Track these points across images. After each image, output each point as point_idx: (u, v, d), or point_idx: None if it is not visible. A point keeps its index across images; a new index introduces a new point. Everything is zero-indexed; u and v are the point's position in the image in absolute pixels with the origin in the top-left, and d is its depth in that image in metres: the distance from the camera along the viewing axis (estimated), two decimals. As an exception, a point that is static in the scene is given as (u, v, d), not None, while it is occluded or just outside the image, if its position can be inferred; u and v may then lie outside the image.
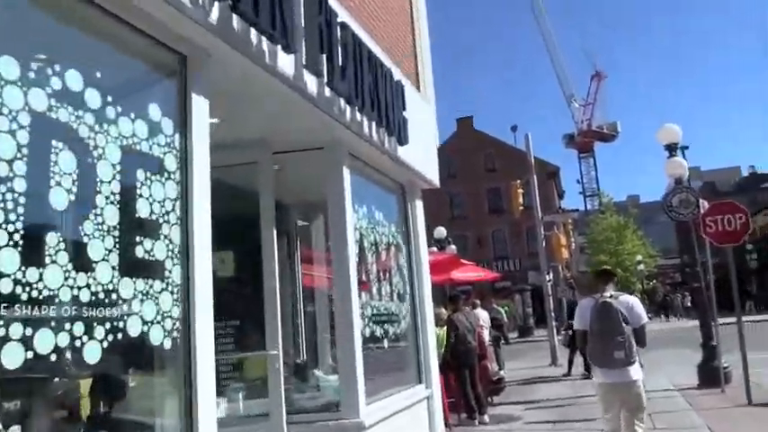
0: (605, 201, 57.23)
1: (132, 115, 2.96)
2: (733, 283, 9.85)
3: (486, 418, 9.47)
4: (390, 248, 6.52)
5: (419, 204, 7.37)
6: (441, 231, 21.31)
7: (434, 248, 16.52)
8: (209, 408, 3.19)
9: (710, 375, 10.95)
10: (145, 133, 3.03)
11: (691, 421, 8.47)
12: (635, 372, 5.41)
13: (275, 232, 5.09)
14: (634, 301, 5.59)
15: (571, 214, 21.89)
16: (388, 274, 6.34)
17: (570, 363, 15.15)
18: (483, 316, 13.41)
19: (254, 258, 5.04)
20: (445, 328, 9.43)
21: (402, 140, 6.06)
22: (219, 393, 3.67)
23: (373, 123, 5.48)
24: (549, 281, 18.36)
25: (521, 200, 21.72)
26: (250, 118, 4.75)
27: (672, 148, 11.59)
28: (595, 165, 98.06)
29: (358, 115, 5.21)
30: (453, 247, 21.11)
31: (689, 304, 40.54)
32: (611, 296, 5.53)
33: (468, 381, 9.36)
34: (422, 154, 7.10)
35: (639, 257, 46.36)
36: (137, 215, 2.93)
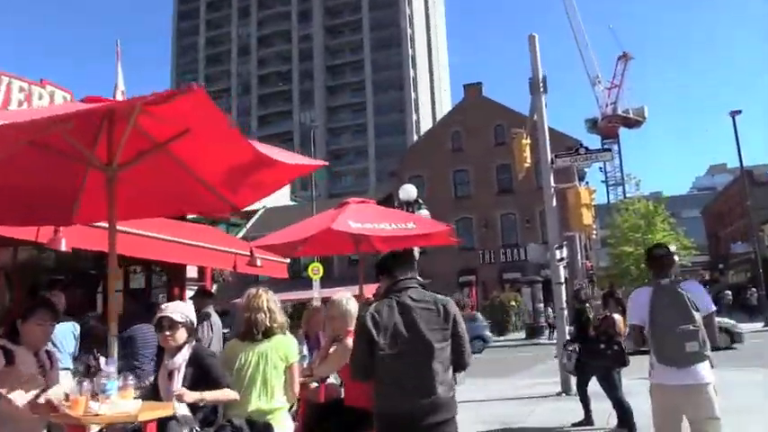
0: (635, 182, 51.11)
1: None
2: None
3: None
4: None
5: None
6: (408, 191, 15.04)
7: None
8: None
9: None
10: None
11: None
12: (708, 372, 4.33)
13: None
14: (699, 286, 4.69)
15: (601, 155, 14.98)
16: None
17: (585, 402, 8.71)
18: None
19: None
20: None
21: None
22: None
23: None
24: (562, 260, 11.68)
25: (527, 153, 15.17)
26: None
27: None
28: (620, 152, 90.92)
29: None
30: (425, 212, 14.79)
31: (755, 302, 33.79)
32: (671, 281, 4.58)
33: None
34: None
35: (673, 248, 39.54)
36: None
